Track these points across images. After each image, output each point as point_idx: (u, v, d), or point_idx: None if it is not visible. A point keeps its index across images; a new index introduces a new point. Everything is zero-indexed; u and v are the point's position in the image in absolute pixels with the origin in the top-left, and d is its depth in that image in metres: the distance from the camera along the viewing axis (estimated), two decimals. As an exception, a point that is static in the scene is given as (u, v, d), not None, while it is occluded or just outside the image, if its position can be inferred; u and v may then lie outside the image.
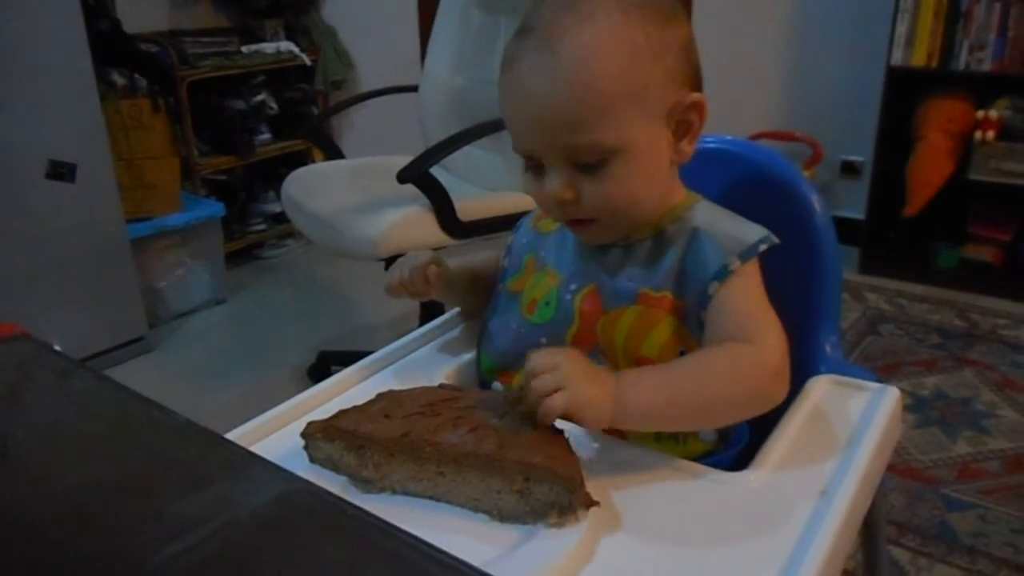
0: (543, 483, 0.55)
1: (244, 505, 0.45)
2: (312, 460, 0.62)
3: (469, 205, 1.78)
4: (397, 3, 3.18)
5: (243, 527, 0.43)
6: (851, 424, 0.68)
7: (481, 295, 0.87)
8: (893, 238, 2.76)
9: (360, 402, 0.64)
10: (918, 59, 2.54)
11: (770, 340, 0.67)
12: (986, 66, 2.47)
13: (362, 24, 3.27)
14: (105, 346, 2.27)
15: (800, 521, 0.56)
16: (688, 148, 0.73)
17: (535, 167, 0.72)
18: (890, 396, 0.71)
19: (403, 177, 1.67)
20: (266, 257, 3.13)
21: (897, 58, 2.55)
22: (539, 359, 0.61)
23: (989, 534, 1.52)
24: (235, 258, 2.98)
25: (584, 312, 0.74)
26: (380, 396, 0.64)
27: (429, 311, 2.17)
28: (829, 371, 0.76)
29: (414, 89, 2.33)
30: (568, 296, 0.76)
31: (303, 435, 0.62)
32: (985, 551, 1.48)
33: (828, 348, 0.78)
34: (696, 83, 0.73)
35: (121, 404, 0.55)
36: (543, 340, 0.76)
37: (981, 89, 2.53)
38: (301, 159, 3.15)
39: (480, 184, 1.98)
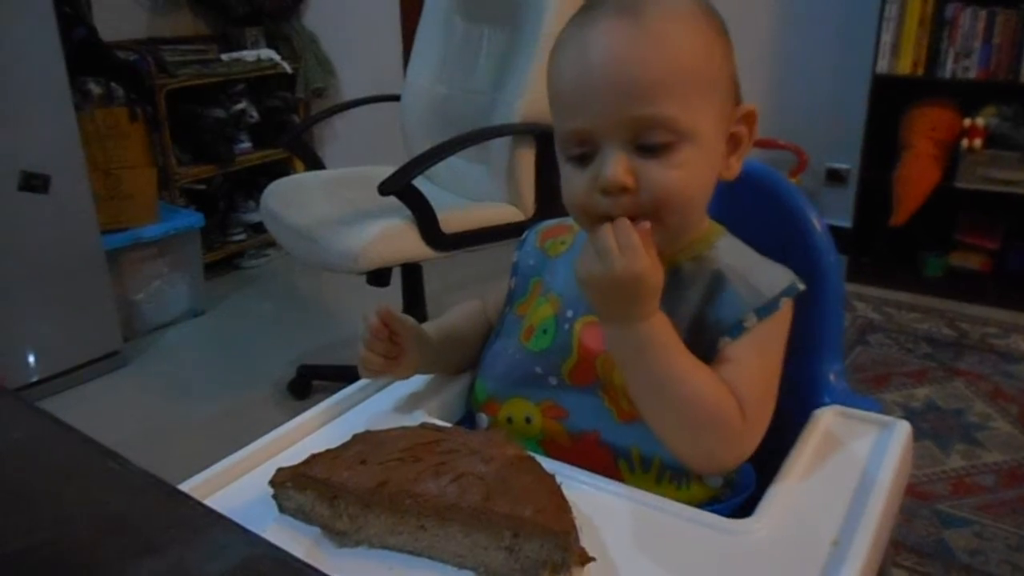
0: (534, 539, 0.50)
1: (204, 574, 0.40)
2: (282, 510, 0.57)
3: (452, 217, 1.74)
4: (380, 11, 3.14)
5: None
6: (861, 463, 0.63)
7: (467, 351, 0.81)
8: (880, 246, 2.75)
9: (335, 443, 0.59)
10: (903, 67, 2.53)
11: (758, 421, 0.63)
12: (972, 74, 2.46)
13: (344, 32, 3.22)
14: (78, 361, 2.20)
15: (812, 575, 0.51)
16: (736, 165, 0.68)
17: (580, 156, 0.64)
18: (900, 431, 0.67)
19: (385, 189, 1.62)
20: (246, 267, 3.07)
21: (883, 66, 2.54)
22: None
23: (986, 552, 1.49)
24: (215, 268, 2.92)
25: (584, 345, 0.69)
26: (356, 438, 0.59)
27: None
28: (834, 401, 0.72)
29: (396, 98, 2.28)
30: (566, 325, 0.71)
31: (272, 484, 0.57)
32: (983, 569, 1.45)
33: (832, 377, 0.74)
34: (739, 99, 0.69)
35: (69, 450, 0.50)
36: (538, 369, 0.71)
37: (967, 97, 2.52)
38: (282, 168, 3.09)
39: (464, 195, 1.93)
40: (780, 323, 0.66)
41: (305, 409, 0.72)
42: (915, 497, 1.63)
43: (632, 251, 0.59)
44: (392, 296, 2.02)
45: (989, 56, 2.42)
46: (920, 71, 2.52)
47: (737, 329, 0.65)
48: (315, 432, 0.69)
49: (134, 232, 2.43)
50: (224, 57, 2.96)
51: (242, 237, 3.08)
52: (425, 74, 2.07)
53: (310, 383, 2.15)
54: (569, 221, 0.79)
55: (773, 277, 0.67)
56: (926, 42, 2.49)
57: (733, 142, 0.68)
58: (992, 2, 2.39)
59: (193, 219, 2.60)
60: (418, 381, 0.78)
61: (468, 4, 1.98)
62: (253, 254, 3.11)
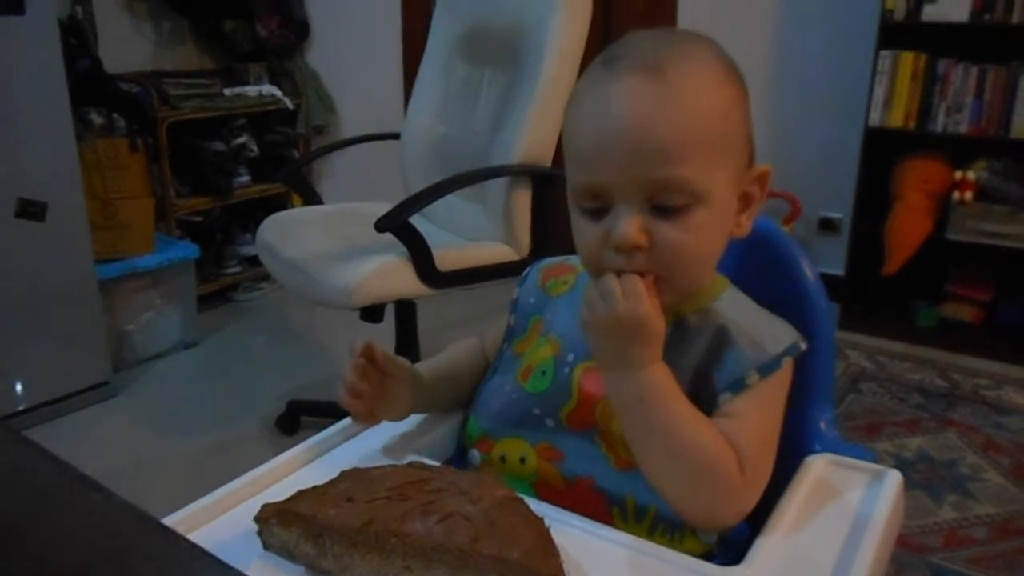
0: (521, 582, 0.50)
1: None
2: (266, 547, 0.57)
3: (448, 255, 1.74)
4: (382, 50, 3.19)
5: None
6: (852, 512, 0.63)
7: (461, 389, 0.80)
8: (873, 295, 2.76)
9: (322, 480, 0.59)
10: (896, 120, 2.57)
11: (757, 477, 0.63)
12: (963, 128, 2.50)
13: (346, 70, 3.27)
14: (67, 390, 2.19)
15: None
16: (747, 223, 0.69)
17: (595, 210, 0.64)
18: (892, 480, 0.66)
19: (381, 226, 1.63)
20: (240, 300, 3.06)
21: (875, 119, 2.58)
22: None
23: (977, 606, 1.48)
24: (208, 300, 2.91)
25: (584, 390, 0.69)
26: (344, 475, 0.58)
27: (405, 358, 2.12)
28: (825, 449, 0.72)
29: (396, 136, 2.31)
30: (566, 369, 0.70)
31: (257, 520, 0.56)
32: (974, 624, 1.44)
33: (823, 425, 0.74)
34: (754, 159, 0.69)
35: (52, 480, 0.50)
36: (536, 411, 0.71)
37: (958, 151, 2.56)
38: (280, 202, 3.11)
39: (460, 234, 1.94)
40: (781, 381, 0.66)
41: (293, 445, 0.71)
42: (908, 548, 1.62)
43: (635, 296, 0.61)
44: (385, 333, 2.02)
45: (980, 111, 2.46)
46: (912, 124, 2.56)
47: (739, 385, 0.65)
48: (302, 468, 0.69)
49: (129, 262, 2.43)
50: (227, 92, 2.99)
51: (237, 270, 3.08)
52: (426, 113, 2.10)
53: (299, 419, 2.14)
54: (572, 260, 0.79)
55: (776, 334, 0.67)
56: (918, 97, 2.53)
57: (745, 200, 0.68)
58: (983, 59, 2.44)
59: (188, 251, 2.60)
60: (409, 419, 0.78)
61: (470, 47, 2.02)
62: (247, 287, 3.11)
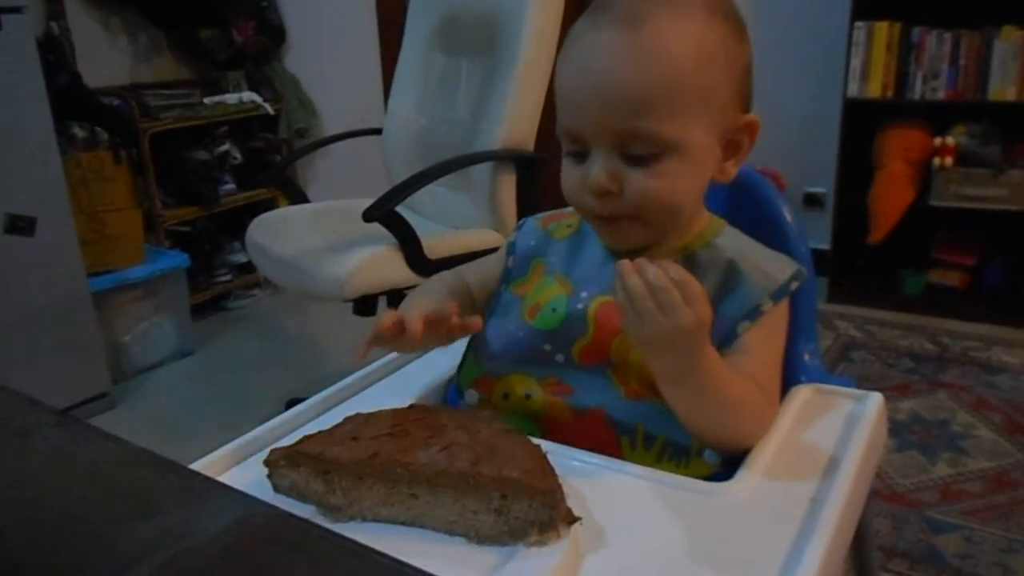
0: (521, 499, 0.52)
1: (200, 532, 0.41)
2: (277, 490, 0.58)
3: (436, 242, 1.76)
4: (359, 49, 3.20)
5: (201, 554, 0.39)
6: (836, 431, 0.66)
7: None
8: (860, 266, 2.79)
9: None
10: (873, 90, 2.60)
11: (775, 399, 0.67)
12: (940, 94, 2.53)
13: (325, 72, 3.28)
14: (67, 403, 2.19)
15: (791, 530, 0.53)
16: (732, 169, 0.72)
17: (576, 153, 0.68)
18: (873, 402, 0.69)
19: (368, 215, 1.65)
20: (233, 308, 3.07)
21: (853, 90, 2.61)
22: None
23: (976, 555, 1.50)
24: (201, 310, 2.92)
25: (601, 324, 0.70)
26: (347, 420, 0.60)
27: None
28: (810, 380, 0.75)
29: (378, 132, 2.32)
30: (579, 305, 0.72)
31: (266, 463, 0.58)
32: (974, 572, 1.46)
33: (807, 357, 0.76)
34: (749, 107, 0.71)
35: (64, 434, 0.52)
36: (547, 347, 0.72)
37: (936, 117, 2.59)
38: (266, 208, 3.09)
39: (447, 223, 1.96)
40: (786, 307, 0.70)
41: None
42: (904, 505, 1.65)
43: (698, 300, 0.58)
44: (379, 326, 2.03)
45: (956, 77, 2.50)
46: (890, 94, 2.59)
47: (755, 313, 0.68)
48: (310, 423, 0.71)
49: (120, 274, 2.44)
50: (207, 100, 3.00)
51: (228, 278, 3.09)
52: (407, 106, 2.12)
53: (299, 417, 2.15)
54: (566, 211, 0.81)
55: (780, 263, 0.71)
56: (894, 66, 2.56)
57: (732, 148, 0.71)
58: (956, 25, 2.47)
59: (179, 260, 2.61)
60: (405, 375, 0.80)
61: (446, 38, 2.04)
62: (239, 295, 3.12)
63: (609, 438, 0.68)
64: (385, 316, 0.67)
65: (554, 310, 0.73)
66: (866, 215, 2.62)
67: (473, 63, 1.96)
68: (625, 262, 0.59)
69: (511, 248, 0.81)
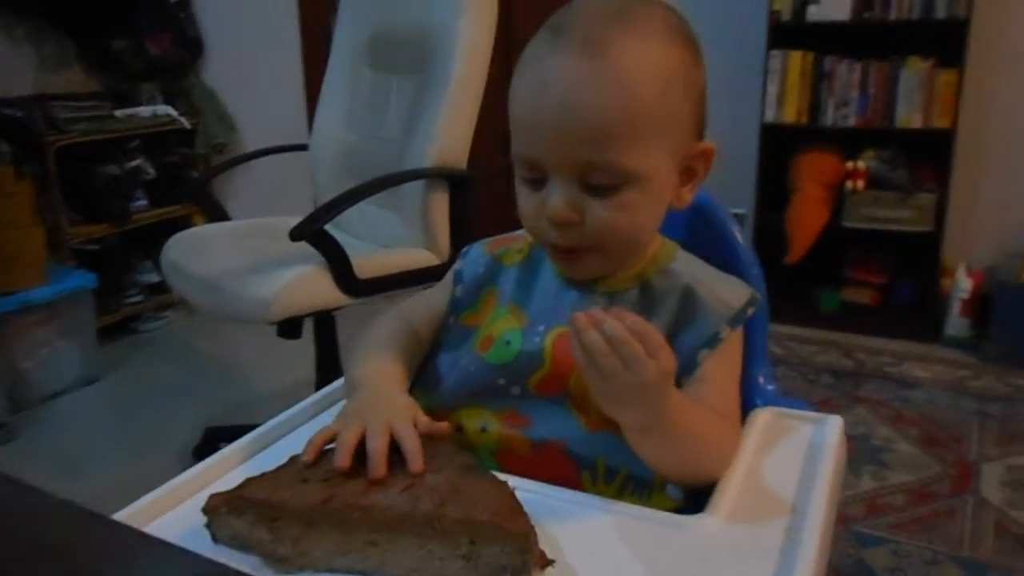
0: (492, 544, 0.48)
1: (141, 598, 0.36)
2: (216, 540, 0.53)
3: (367, 262, 1.71)
4: (281, 63, 3.12)
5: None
6: (800, 456, 0.65)
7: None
8: (777, 285, 2.86)
9: (268, 469, 0.55)
10: (789, 116, 2.69)
11: (738, 427, 0.66)
12: (851, 121, 2.64)
13: (244, 86, 3.18)
14: (-42, 436, 2.03)
15: (770, 561, 0.51)
16: (688, 196, 0.70)
17: (533, 180, 0.65)
18: (834, 425, 0.69)
19: (296, 234, 1.58)
20: (143, 330, 2.92)
21: (770, 115, 2.69)
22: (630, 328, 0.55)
23: (904, 568, 1.53)
24: (109, 333, 2.77)
25: (558, 356, 0.67)
26: (293, 459, 0.56)
27: (326, 375, 2.06)
28: (765, 403, 0.74)
29: (302, 148, 2.26)
30: (536, 338, 0.69)
31: (205, 511, 0.52)
32: (902, 585, 1.50)
33: (761, 380, 0.75)
34: (703, 133, 0.70)
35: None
36: (501, 380, 0.69)
37: (848, 142, 2.70)
38: (181, 225, 2.97)
39: (376, 242, 1.91)
40: (741, 333, 0.69)
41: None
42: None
43: (661, 351, 0.56)
44: (304, 349, 1.96)
45: (866, 104, 2.60)
46: (804, 120, 2.68)
47: (714, 341, 0.67)
48: (247, 461, 0.65)
49: (21, 296, 2.28)
50: (118, 113, 2.87)
51: (139, 299, 2.94)
52: (334, 122, 2.06)
53: (217, 446, 2.03)
54: (515, 234, 0.79)
55: (735, 289, 0.70)
56: (808, 93, 2.66)
57: (688, 174, 0.69)
58: (866, 55, 2.58)
59: (85, 280, 2.46)
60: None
61: (375, 53, 2.00)
62: (150, 317, 2.98)
63: (569, 472, 0.66)
64: (344, 429, 0.57)
65: (508, 343, 0.70)
66: (784, 235, 2.69)
67: (403, 79, 1.93)
68: (580, 316, 0.56)
69: (458, 276, 0.78)
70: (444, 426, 0.60)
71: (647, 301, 0.69)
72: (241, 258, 1.77)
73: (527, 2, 2.90)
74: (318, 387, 2.24)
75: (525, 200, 0.67)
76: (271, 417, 0.74)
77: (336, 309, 1.79)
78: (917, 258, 2.70)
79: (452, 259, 1.84)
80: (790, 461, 0.65)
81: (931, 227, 2.58)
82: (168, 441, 2.11)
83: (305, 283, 1.64)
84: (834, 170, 2.68)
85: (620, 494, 0.65)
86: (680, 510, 0.62)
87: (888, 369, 2.46)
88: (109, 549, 0.41)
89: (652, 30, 0.64)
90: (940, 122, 2.50)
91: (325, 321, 2.02)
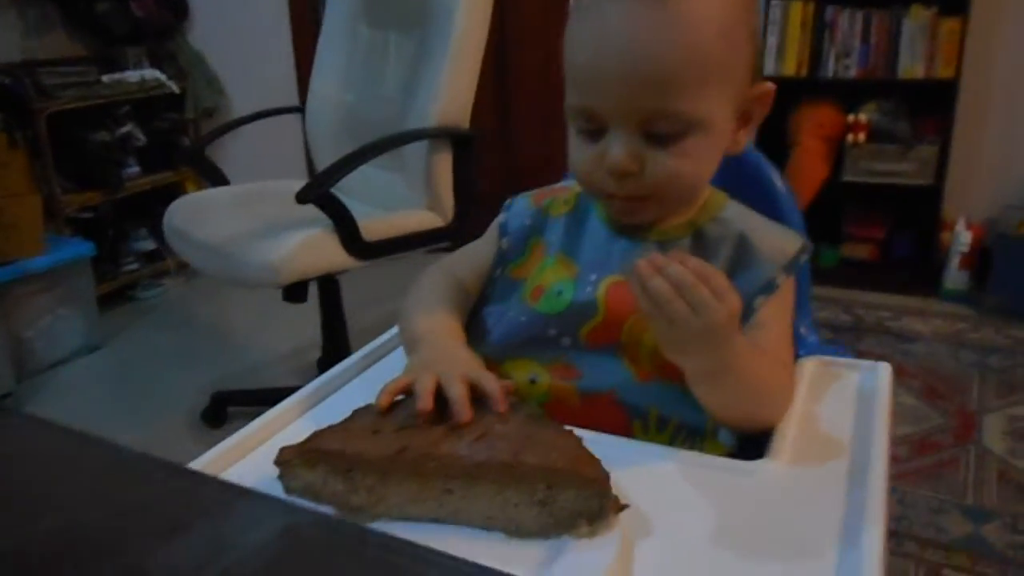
0: (568, 489, 0.48)
1: (244, 546, 0.36)
2: (288, 491, 0.53)
3: (373, 225, 1.70)
4: (268, 24, 3.06)
5: (251, 570, 0.34)
6: (851, 403, 0.65)
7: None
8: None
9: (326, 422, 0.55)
10: (788, 68, 2.67)
11: (793, 374, 0.67)
12: (852, 73, 2.62)
13: (232, 48, 3.12)
14: (-37, 407, 2.02)
15: (837, 505, 0.52)
16: (743, 140, 0.69)
17: (590, 131, 0.64)
18: (884, 371, 0.69)
19: (303, 197, 1.57)
20: (142, 298, 2.90)
21: (769, 68, 2.67)
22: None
23: (910, 517, 1.56)
24: (109, 301, 2.74)
25: (612, 305, 0.67)
26: (358, 413, 0.55)
27: (332, 339, 2.05)
28: (808, 352, 0.74)
29: (297, 110, 2.23)
30: (588, 288, 0.69)
31: (277, 463, 0.52)
32: (908, 532, 1.52)
33: (803, 331, 0.76)
34: (760, 75, 0.69)
35: (57, 445, 0.45)
36: (551, 331, 0.69)
37: (849, 95, 2.68)
38: (173, 192, 2.94)
39: (379, 204, 1.89)
40: (794, 280, 0.70)
41: (222, 438, 0.64)
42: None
43: (728, 293, 0.56)
44: (310, 312, 1.95)
45: (867, 55, 2.58)
46: (804, 72, 2.66)
47: (770, 287, 0.67)
48: (303, 415, 0.65)
49: (19, 265, 2.26)
50: (105, 79, 2.81)
51: (135, 267, 2.91)
52: (330, 83, 2.03)
53: (225, 410, 2.04)
54: (558, 185, 0.79)
55: (788, 237, 0.70)
56: (809, 44, 2.63)
57: (744, 118, 0.69)
58: (867, 4, 2.56)
59: (82, 248, 2.44)
60: (388, 366, 0.75)
61: (372, 10, 1.96)
62: (148, 284, 2.95)
63: (620, 422, 0.66)
64: (419, 379, 0.56)
65: (560, 293, 0.70)
66: (784, 191, 2.68)
67: (402, 36, 1.89)
68: (642, 262, 0.55)
69: (503, 229, 0.77)
70: (507, 383, 0.60)
71: (700, 249, 0.68)
72: (245, 223, 1.76)
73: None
74: (324, 350, 2.24)
75: (581, 152, 0.66)
76: (276, 380, 0.73)
77: (342, 272, 1.78)
78: (916, 212, 2.71)
79: (457, 220, 1.84)
80: (843, 408, 0.65)
81: (932, 180, 2.58)
82: (175, 406, 2.11)
83: (312, 246, 1.63)
84: (834, 123, 2.67)
85: (671, 443, 0.65)
86: (733, 456, 0.63)
87: (888, 323, 2.48)
88: (199, 500, 0.41)
89: None
90: (943, 72, 2.48)
91: (330, 284, 2.01)
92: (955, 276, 2.61)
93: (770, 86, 0.69)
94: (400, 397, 0.56)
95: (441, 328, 0.69)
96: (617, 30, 0.61)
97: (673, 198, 0.67)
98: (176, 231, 1.83)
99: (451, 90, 1.74)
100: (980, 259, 2.59)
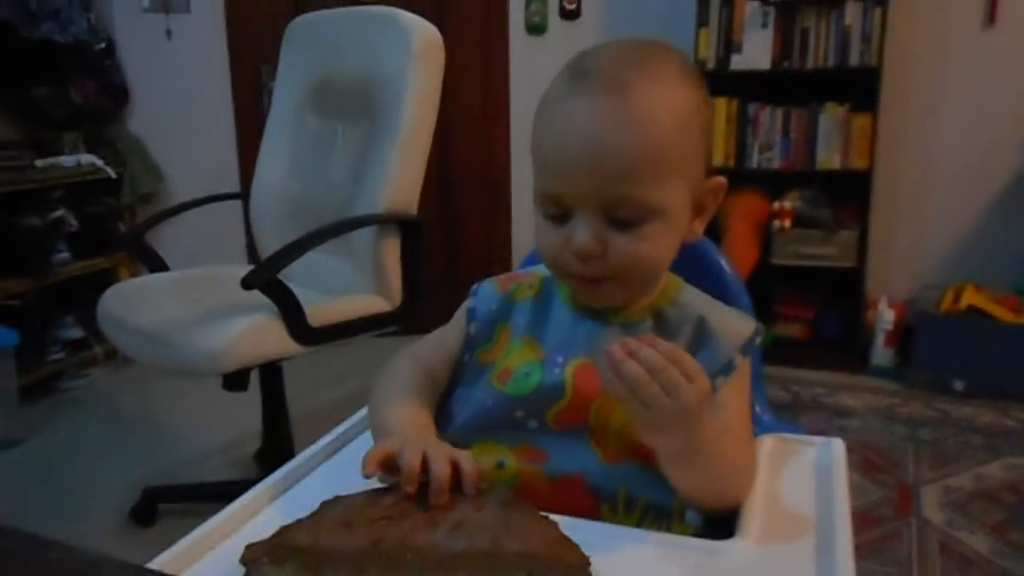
0: (550, 575, 0.48)
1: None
2: (256, 591, 0.51)
3: (319, 310, 1.68)
4: (211, 111, 3.07)
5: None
6: (811, 478, 0.67)
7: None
8: (714, 322, 2.95)
9: (292, 518, 0.54)
10: (717, 159, 2.80)
11: (754, 449, 0.68)
12: (775, 164, 2.77)
13: (172, 134, 3.12)
14: None
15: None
16: (699, 229, 0.73)
17: (557, 215, 0.67)
18: (837, 446, 0.71)
19: (249, 282, 1.55)
20: (67, 389, 2.78)
21: (699, 158, 2.79)
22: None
23: (858, 592, 1.57)
24: (31, 392, 2.62)
25: (579, 387, 0.68)
26: (327, 505, 0.54)
27: (274, 428, 2.00)
28: (763, 430, 0.76)
29: (239, 196, 2.22)
30: (556, 369, 0.70)
31: (244, 561, 0.50)
32: (857, 609, 1.53)
33: (758, 409, 0.78)
34: (712, 169, 0.73)
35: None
36: (519, 414, 0.69)
37: (773, 184, 2.83)
38: (105, 278, 2.88)
39: (325, 290, 1.88)
40: (748, 361, 0.72)
41: (153, 537, 0.61)
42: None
43: (698, 375, 0.58)
44: (248, 401, 1.90)
45: (788, 148, 2.74)
46: (732, 163, 2.80)
47: (729, 367, 0.69)
48: (265, 509, 0.62)
49: (-64, 355, 2.15)
50: (39, 163, 2.76)
51: (61, 356, 2.80)
52: (277, 169, 2.04)
53: (156, 507, 1.94)
54: (520, 271, 0.81)
55: (742, 319, 0.74)
56: (734, 137, 2.78)
57: (698, 209, 0.72)
58: (787, 101, 2.73)
59: (5, 337, 2.34)
60: (360, 449, 0.73)
61: (320, 100, 1.99)
62: (74, 374, 2.84)
63: (588, 505, 0.66)
64: (407, 452, 0.57)
65: (527, 375, 0.70)
66: (717, 274, 2.78)
67: (350, 125, 1.93)
68: (614, 348, 0.57)
69: (471, 314, 0.78)
70: (480, 465, 0.60)
71: (662, 332, 0.71)
72: (186, 309, 1.72)
73: (458, 55, 2.95)
74: (264, 440, 2.17)
75: (548, 235, 0.69)
76: (214, 474, 0.71)
77: (287, 358, 1.75)
78: (842, 292, 2.83)
79: (405, 305, 1.84)
80: (803, 484, 0.67)
81: (854, 263, 2.72)
82: (102, 504, 2.00)
83: (256, 333, 1.60)
84: (761, 210, 2.80)
85: (639, 524, 0.66)
86: (700, 536, 0.64)
87: (823, 400, 2.55)
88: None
89: (669, 73, 0.67)
90: (858, 163, 2.66)
91: (272, 371, 1.97)
92: (881, 353, 2.72)
93: (722, 179, 0.73)
94: (375, 486, 0.55)
95: (411, 420, 0.68)
96: (583, 122, 0.65)
97: (635, 280, 0.69)
98: (111, 317, 1.78)
99: (400, 178, 1.77)
100: (904, 336, 2.70)
